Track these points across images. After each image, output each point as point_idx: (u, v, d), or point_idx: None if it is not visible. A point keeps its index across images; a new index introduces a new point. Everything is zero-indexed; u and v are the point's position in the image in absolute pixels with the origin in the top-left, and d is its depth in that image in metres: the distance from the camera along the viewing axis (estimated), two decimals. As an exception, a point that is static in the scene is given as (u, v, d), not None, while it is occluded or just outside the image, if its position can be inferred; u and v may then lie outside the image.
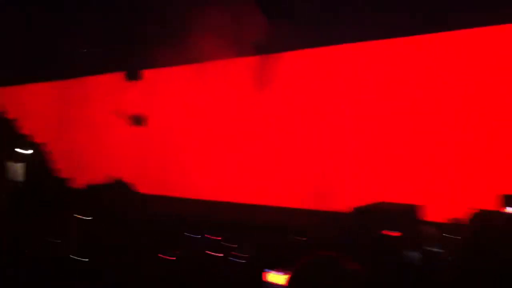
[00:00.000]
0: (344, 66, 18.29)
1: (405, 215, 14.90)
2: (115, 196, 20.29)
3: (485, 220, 9.02)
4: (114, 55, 22.44)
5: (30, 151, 27.22)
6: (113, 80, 23.82)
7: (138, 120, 21.88)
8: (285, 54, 18.94)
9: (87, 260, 12.28)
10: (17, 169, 26.64)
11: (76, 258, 12.18)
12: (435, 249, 8.93)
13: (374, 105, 17.87)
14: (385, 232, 9.44)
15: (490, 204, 14.26)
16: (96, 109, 25.10)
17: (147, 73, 22.41)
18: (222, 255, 12.13)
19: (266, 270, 7.88)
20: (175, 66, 21.22)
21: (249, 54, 19.28)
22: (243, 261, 11.54)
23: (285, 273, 6.73)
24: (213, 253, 12.21)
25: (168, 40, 19.23)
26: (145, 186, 21.98)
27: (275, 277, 7.66)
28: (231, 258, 11.65)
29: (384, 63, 17.55)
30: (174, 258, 12.12)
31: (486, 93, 15.65)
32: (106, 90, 24.34)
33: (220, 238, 13.32)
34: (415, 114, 16.80)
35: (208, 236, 13.48)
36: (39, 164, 26.36)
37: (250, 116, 20.24)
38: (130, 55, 21.72)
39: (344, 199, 17.44)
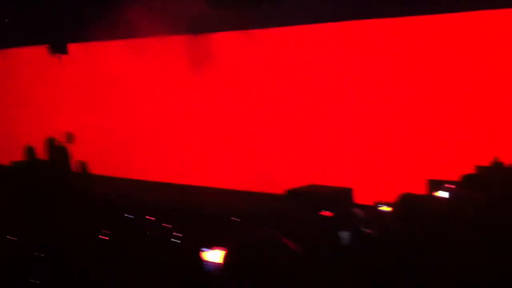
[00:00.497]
0: (277, 47, 18.29)
1: (336, 197, 15.40)
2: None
3: (414, 202, 9.44)
4: (40, 27, 21.38)
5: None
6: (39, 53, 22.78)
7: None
8: (221, 34, 18.87)
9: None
10: None
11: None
12: (365, 229, 9.27)
13: (308, 89, 18.16)
14: (320, 212, 9.73)
15: (417, 189, 14.93)
16: (24, 83, 24.17)
17: (74, 47, 21.64)
18: (158, 235, 12.13)
19: (203, 249, 8.01)
20: (106, 41, 20.63)
21: (184, 32, 19.07)
22: (179, 241, 11.60)
23: (221, 251, 6.86)
24: (149, 233, 12.20)
25: (99, 13, 18.64)
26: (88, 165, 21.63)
27: (211, 255, 7.80)
28: (168, 238, 11.69)
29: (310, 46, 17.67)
30: (107, 238, 12.03)
31: (416, 81, 16.24)
32: (33, 64, 23.35)
33: (155, 219, 13.30)
34: (347, 97, 17.22)
35: (146, 217, 13.42)
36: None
37: (187, 95, 20.07)
38: (56, 28, 20.73)
39: (278, 181, 17.75)
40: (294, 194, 15.37)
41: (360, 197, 15.59)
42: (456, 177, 13.93)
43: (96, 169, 20.93)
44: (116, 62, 20.94)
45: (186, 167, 19.68)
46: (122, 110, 21.33)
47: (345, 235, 8.34)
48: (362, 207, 14.39)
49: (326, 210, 9.47)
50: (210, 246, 7.96)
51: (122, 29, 18.85)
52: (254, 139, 18.70)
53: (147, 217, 13.76)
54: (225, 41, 18.95)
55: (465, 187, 11.14)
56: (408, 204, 9.87)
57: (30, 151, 19.63)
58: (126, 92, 21.09)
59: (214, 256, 7.63)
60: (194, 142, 19.79)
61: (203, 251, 7.99)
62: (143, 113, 20.84)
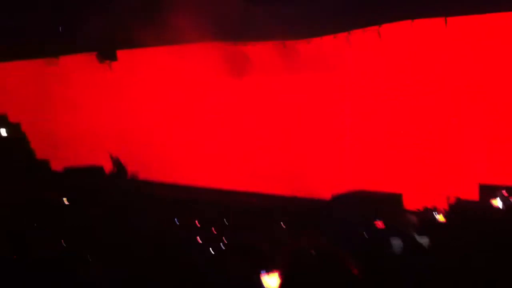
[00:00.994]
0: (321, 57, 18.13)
1: (386, 203, 15.05)
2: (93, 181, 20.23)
3: (471, 212, 9.14)
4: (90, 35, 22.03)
5: (3, 131, 26.72)
6: (87, 60, 23.43)
7: None
8: (260, 43, 18.80)
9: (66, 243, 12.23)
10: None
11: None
12: (416, 237, 9.00)
13: (353, 94, 17.86)
14: (371, 223, 9.49)
15: (469, 193, 14.47)
16: (73, 89, 24.66)
17: (122, 54, 22.08)
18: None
19: (261, 272, 7.79)
20: (151, 47, 20.97)
21: (226, 40, 19.10)
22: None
23: (276, 275, 6.75)
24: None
25: (144, 20, 18.97)
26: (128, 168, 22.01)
27: (269, 280, 7.54)
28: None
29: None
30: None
31: (468, 87, 15.71)
32: (82, 70, 23.89)
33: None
34: (395, 104, 16.84)
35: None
36: (12, 144, 25.91)
37: (225, 101, 20.11)
38: (105, 36, 21.28)
39: (323, 186, 17.50)
40: (342, 200, 15.11)
41: (410, 202, 15.24)
42: (510, 181, 13.52)
43: (143, 173, 21.27)
44: (159, 67, 21.20)
45: (230, 172, 19.61)
46: (166, 114, 21.50)
47: (397, 243, 8.07)
48: (413, 213, 14.08)
49: (378, 219, 9.22)
50: (266, 268, 7.79)
51: (168, 36, 19.12)
52: (301, 144, 18.49)
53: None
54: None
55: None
56: (464, 214, 9.54)
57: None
58: (171, 96, 21.26)
59: (271, 280, 7.43)
60: (237, 147, 19.72)
61: (261, 274, 7.83)
62: (188, 119, 20.94)
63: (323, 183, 17.56)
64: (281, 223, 13.22)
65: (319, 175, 17.96)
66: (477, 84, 15.23)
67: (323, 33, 17.24)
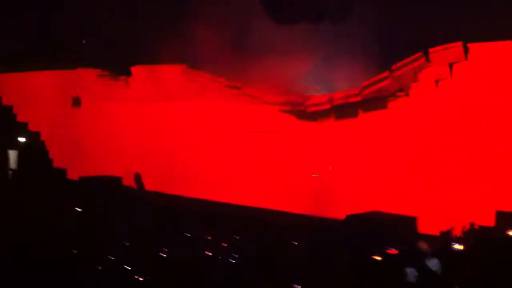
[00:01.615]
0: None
1: (400, 226, 14.93)
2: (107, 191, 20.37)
3: (494, 246, 8.95)
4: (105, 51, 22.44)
5: (24, 139, 27.08)
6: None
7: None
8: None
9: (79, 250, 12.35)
10: (10, 157, 26.53)
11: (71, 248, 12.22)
12: (431, 264, 8.89)
13: (368, 117, 17.90)
14: (383, 250, 9.40)
15: (485, 219, 14.29)
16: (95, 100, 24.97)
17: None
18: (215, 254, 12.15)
19: None
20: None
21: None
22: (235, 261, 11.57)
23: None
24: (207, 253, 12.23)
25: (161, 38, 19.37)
26: (148, 181, 22.19)
27: None
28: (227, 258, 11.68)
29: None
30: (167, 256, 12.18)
31: (482, 112, 15.62)
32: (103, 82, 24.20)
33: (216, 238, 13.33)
34: (411, 128, 16.78)
35: (205, 235, 13.49)
36: (32, 152, 26.23)
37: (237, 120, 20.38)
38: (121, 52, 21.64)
39: (339, 206, 17.43)
40: (356, 221, 15.01)
41: (425, 227, 15.09)
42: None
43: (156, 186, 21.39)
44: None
45: (251, 189, 19.63)
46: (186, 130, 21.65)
47: (411, 272, 7.97)
48: (427, 237, 13.92)
49: (391, 246, 9.12)
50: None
51: (182, 54, 19.42)
52: (316, 164, 18.47)
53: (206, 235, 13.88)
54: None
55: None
56: (486, 247, 9.37)
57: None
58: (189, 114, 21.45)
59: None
60: (252, 166, 19.75)
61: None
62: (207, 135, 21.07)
63: (338, 203, 17.48)
64: (294, 241, 13.19)
65: (334, 195, 17.87)
66: (495, 111, 15.12)
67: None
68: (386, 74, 16.66)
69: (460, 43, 15.35)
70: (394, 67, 16.49)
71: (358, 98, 17.31)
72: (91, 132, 24.55)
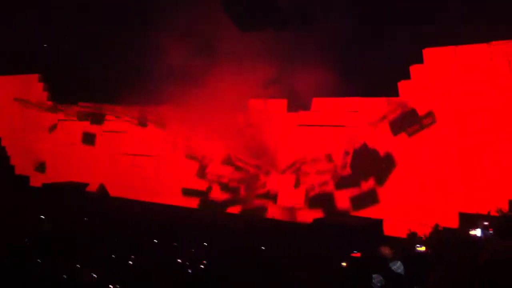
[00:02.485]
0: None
1: (366, 229, 15.04)
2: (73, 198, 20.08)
3: (449, 241, 9.10)
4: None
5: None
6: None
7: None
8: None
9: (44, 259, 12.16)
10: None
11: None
12: (398, 271, 8.93)
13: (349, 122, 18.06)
14: (351, 254, 9.42)
15: (449, 221, 14.50)
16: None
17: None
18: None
19: None
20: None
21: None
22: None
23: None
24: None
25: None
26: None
27: None
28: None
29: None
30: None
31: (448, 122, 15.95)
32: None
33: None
34: (376, 133, 16.99)
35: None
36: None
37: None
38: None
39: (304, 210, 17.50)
40: (321, 225, 15.08)
41: (391, 229, 15.24)
42: (489, 209, 13.58)
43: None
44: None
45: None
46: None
47: (376, 278, 7.98)
48: (393, 240, 14.06)
49: (355, 250, 9.15)
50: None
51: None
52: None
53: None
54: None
55: (501, 225, 10.71)
56: (443, 242, 9.48)
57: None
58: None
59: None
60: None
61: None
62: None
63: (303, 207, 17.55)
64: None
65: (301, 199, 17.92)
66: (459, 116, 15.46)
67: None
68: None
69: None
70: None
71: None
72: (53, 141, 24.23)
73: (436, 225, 13.34)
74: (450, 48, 15.56)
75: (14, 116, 25.34)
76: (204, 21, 18.75)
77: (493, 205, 13.64)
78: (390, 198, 16.29)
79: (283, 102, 18.72)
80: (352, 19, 16.69)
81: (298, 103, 18.46)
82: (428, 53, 15.90)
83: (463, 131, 15.29)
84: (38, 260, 12.25)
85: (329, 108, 17.74)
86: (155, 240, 14.29)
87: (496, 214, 13.06)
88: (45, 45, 24.23)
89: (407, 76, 16.34)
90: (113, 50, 21.12)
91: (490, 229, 10.83)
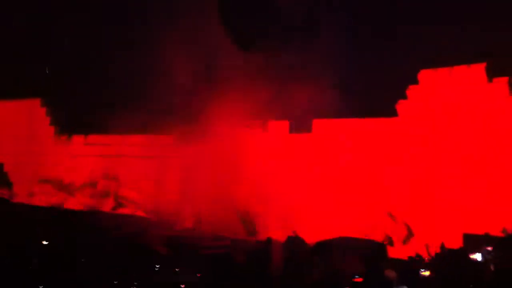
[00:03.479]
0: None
1: (368, 251, 14.83)
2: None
3: (452, 264, 8.94)
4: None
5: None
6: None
7: None
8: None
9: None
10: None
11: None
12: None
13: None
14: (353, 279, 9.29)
15: (453, 243, 14.32)
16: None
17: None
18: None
19: None
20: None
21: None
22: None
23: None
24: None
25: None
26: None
27: None
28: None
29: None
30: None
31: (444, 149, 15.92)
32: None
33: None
34: (380, 156, 16.92)
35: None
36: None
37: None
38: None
39: (306, 232, 17.33)
40: (324, 247, 14.88)
41: (394, 251, 15.06)
42: (495, 231, 13.41)
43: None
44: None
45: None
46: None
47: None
48: (396, 262, 13.87)
49: (357, 268, 9.02)
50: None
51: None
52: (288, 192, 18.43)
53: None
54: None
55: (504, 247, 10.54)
56: (447, 263, 9.31)
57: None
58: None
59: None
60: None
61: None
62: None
63: (309, 228, 17.44)
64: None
65: (307, 220, 17.84)
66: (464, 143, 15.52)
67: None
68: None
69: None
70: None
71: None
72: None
73: (442, 245, 13.18)
74: (445, 69, 15.65)
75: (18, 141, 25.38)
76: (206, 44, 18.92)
77: (499, 225, 13.51)
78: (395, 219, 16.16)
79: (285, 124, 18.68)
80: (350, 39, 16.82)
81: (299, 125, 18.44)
82: (424, 74, 15.98)
83: (465, 152, 15.22)
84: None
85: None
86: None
87: (502, 235, 12.91)
88: (46, 70, 24.34)
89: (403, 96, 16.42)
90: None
91: (490, 250, 10.69)
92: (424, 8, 16.31)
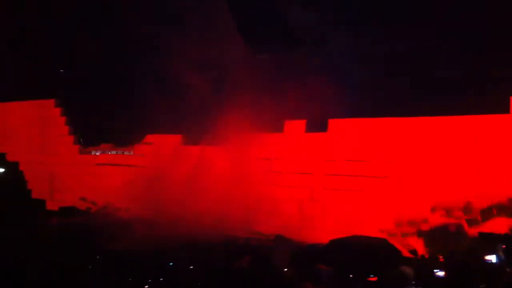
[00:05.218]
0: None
1: (382, 250, 14.89)
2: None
3: (466, 265, 9.00)
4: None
5: (1, 170, 26.61)
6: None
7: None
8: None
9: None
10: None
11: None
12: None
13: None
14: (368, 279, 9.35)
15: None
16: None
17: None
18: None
19: None
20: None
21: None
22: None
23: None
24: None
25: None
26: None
27: None
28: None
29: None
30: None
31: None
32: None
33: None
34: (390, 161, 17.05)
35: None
36: (9, 183, 25.74)
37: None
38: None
39: (319, 231, 17.42)
40: (338, 245, 14.95)
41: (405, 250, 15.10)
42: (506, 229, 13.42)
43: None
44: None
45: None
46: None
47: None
48: (409, 260, 13.94)
49: (371, 265, 9.06)
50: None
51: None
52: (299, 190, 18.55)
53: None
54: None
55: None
56: (461, 263, 9.39)
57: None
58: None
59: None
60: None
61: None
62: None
63: (321, 228, 17.53)
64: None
65: (317, 220, 17.94)
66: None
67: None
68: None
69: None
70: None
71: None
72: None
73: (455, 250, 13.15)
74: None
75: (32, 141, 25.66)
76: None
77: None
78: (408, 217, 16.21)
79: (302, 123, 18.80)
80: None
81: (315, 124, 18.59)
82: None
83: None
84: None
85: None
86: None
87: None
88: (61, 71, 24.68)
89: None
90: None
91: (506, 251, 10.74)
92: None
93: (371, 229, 16.54)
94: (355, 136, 17.71)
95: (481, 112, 15.37)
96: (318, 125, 18.28)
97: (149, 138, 22.44)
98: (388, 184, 16.97)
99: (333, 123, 18.26)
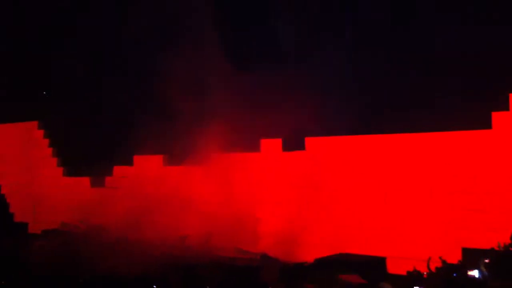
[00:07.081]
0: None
1: (369, 267, 14.86)
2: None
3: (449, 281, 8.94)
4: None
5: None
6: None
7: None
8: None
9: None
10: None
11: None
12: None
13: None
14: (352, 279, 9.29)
15: (452, 257, 14.35)
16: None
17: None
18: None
19: None
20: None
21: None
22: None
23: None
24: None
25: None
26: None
27: None
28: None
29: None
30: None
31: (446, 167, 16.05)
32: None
33: None
34: (380, 172, 17.02)
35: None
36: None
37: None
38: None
39: (306, 249, 17.35)
40: (324, 263, 14.91)
41: (394, 267, 15.06)
42: (492, 244, 13.43)
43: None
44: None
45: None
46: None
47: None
48: (396, 277, 13.91)
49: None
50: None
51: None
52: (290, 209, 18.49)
53: None
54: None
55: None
56: (446, 278, 9.33)
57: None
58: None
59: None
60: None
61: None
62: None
63: (306, 246, 17.45)
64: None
65: (302, 239, 17.84)
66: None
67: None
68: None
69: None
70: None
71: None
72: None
73: (443, 261, 13.15)
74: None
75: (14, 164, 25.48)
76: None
77: (497, 239, 13.54)
78: (393, 234, 16.18)
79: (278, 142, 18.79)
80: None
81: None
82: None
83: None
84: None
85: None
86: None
87: (498, 249, 12.91)
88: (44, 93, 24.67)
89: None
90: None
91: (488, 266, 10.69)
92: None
93: (359, 247, 16.53)
94: (334, 154, 17.65)
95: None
96: (294, 143, 18.31)
97: (134, 159, 22.33)
98: (373, 201, 16.93)
99: (310, 141, 18.22)
